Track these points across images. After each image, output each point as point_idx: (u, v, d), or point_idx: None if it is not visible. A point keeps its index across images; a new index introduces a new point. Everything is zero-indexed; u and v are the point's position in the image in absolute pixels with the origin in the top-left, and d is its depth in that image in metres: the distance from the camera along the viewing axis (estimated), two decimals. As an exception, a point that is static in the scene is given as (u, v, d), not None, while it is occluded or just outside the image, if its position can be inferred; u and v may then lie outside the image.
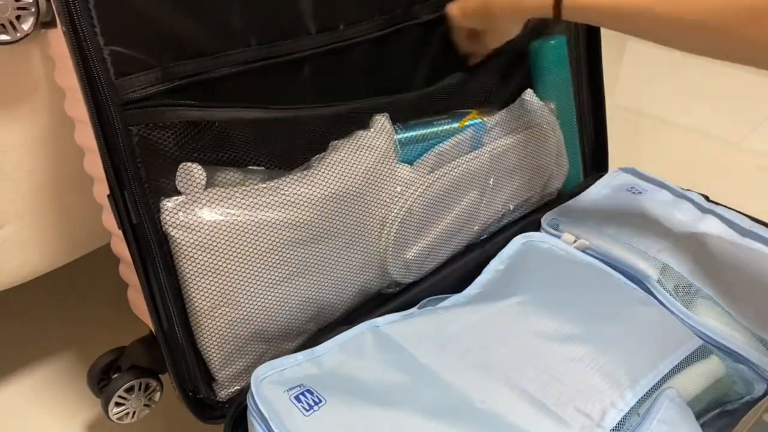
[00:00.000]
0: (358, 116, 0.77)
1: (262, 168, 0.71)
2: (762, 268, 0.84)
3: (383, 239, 0.79)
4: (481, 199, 0.89)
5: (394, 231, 0.79)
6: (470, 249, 0.91)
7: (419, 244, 0.83)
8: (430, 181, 0.81)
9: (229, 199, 0.67)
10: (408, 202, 0.79)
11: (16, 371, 1.00)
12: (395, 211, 0.79)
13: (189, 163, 0.65)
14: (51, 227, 0.77)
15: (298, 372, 0.67)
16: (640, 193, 0.99)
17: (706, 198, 0.98)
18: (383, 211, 0.78)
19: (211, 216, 0.65)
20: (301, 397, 0.62)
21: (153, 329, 0.68)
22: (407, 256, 0.82)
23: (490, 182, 0.89)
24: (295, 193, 0.70)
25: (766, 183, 1.46)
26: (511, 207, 0.95)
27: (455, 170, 0.84)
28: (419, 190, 0.80)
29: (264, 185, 0.69)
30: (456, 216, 0.86)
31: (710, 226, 0.92)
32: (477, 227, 0.90)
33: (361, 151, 0.75)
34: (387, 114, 0.78)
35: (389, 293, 0.84)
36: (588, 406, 0.64)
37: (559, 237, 0.90)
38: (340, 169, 0.73)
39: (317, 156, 0.74)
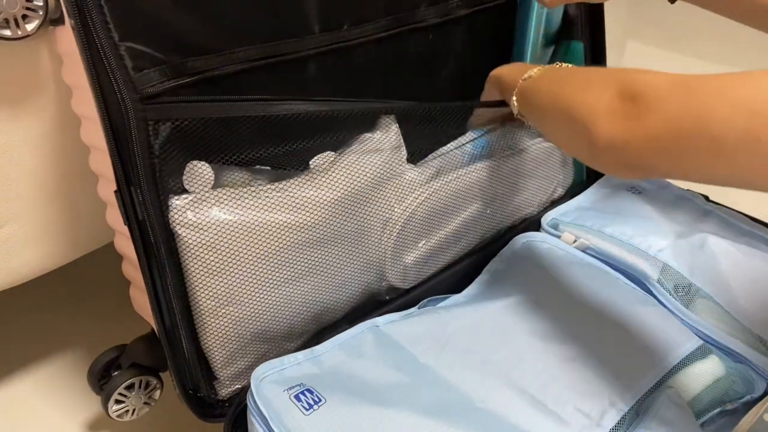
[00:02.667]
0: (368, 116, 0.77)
1: (268, 168, 0.71)
2: (762, 268, 0.84)
3: (383, 242, 0.79)
4: (485, 209, 0.89)
5: (395, 234, 0.79)
6: (471, 249, 0.91)
7: (419, 250, 0.83)
8: (435, 188, 0.81)
9: (238, 199, 0.66)
10: (411, 207, 0.79)
11: (18, 369, 1.00)
12: (398, 214, 0.79)
13: (197, 162, 0.65)
14: (53, 226, 0.77)
15: (298, 371, 0.67)
16: (640, 192, 0.99)
17: (706, 198, 0.98)
18: (387, 213, 0.78)
19: (219, 215, 0.65)
20: (300, 396, 0.62)
21: (155, 327, 0.68)
22: (407, 261, 0.82)
23: (497, 192, 0.89)
24: (304, 196, 0.70)
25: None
26: (515, 219, 0.95)
27: (461, 179, 0.83)
28: (423, 195, 0.80)
29: (273, 186, 0.69)
30: (458, 225, 0.86)
31: (710, 226, 0.92)
32: (478, 237, 0.90)
33: (370, 155, 0.75)
34: (394, 116, 0.78)
35: (386, 299, 0.84)
36: (587, 405, 0.64)
37: (559, 237, 0.90)
38: (349, 173, 0.73)
39: (325, 159, 0.74)
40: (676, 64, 1.95)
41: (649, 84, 0.53)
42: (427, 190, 0.81)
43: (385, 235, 0.79)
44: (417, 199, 0.80)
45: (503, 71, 0.78)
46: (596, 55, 1.02)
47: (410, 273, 0.84)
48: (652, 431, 0.62)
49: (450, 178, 0.83)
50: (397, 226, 0.79)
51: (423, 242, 0.83)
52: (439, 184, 0.82)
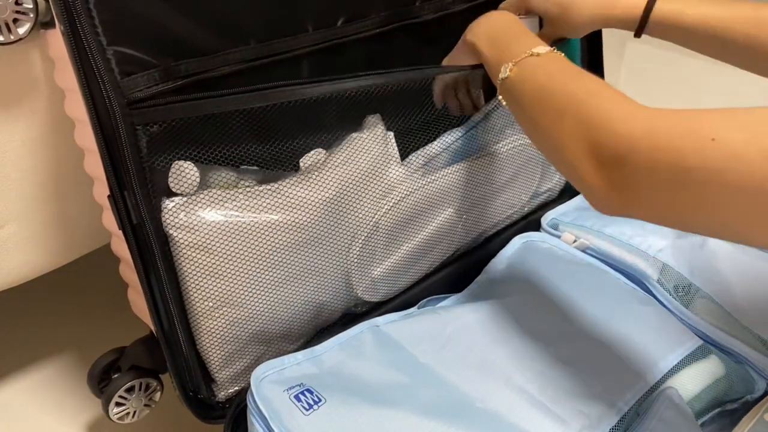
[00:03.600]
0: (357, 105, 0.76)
1: (255, 168, 0.71)
2: (761, 267, 0.83)
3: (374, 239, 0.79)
4: (470, 207, 0.88)
5: (384, 226, 0.79)
6: (470, 249, 0.91)
7: (395, 255, 0.82)
8: (422, 183, 0.80)
9: (230, 200, 0.66)
10: (393, 202, 0.79)
11: (17, 371, 1.00)
12: (383, 210, 0.78)
13: (182, 162, 0.65)
14: (51, 227, 0.77)
15: (298, 371, 0.67)
16: (640, 193, 0.99)
17: (706, 198, 0.98)
18: (377, 211, 0.78)
19: (211, 217, 0.65)
20: (300, 396, 0.62)
21: (153, 329, 0.68)
22: (376, 272, 0.81)
23: (480, 192, 0.88)
24: (296, 196, 0.70)
25: (766, 183, 1.46)
26: (495, 221, 0.94)
27: (443, 179, 0.82)
28: (410, 189, 0.79)
29: (265, 187, 0.69)
30: (440, 223, 0.85)
31: (710, 225, 0.92)
32: (470, 233, 0.90)
33: (359, 154, 0.74)
34: (378, 114, 0.78)
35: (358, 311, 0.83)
36: (587, 405, 0.64)
37: (559, 237, 0.90)
38: (341, 171, 0.73)
39: (315, 157, 0.74)
40: (675, 63, 1.95)
41: (618, 149, 0.50)
42: (413, 185, 0.79)
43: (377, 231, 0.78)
44: (400, 194, 0.79)
45: (484, 47, 0.72)
46: (592, 51, 1.02)
47: (382, 283, 0.83)
48: (651, 431, 0.62)
49: (435, 176, 0.82)
50: (384, 219, 0.79)
51: (407, 237, 0.82)
52: (424, 180, 0.81)
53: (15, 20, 0.59)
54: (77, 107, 0.62)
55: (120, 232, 0.64)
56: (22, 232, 0.75)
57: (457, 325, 0.72)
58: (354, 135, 0.75)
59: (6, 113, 0.68)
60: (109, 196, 0.63)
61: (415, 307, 0.80)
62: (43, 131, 0.71)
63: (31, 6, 0.59)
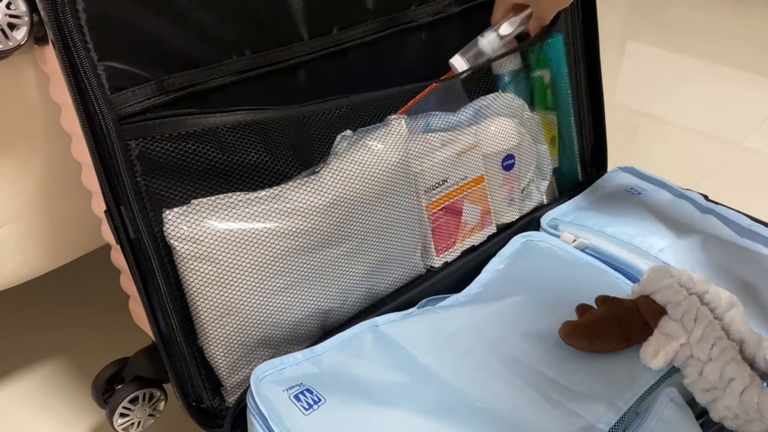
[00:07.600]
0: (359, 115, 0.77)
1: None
2: (761, 266, 0.83)
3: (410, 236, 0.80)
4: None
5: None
6: (470, 249, 0.90)
7: None
8: None
9: (232, 208, 0.67)
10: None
11: (17, 374, 1.00)
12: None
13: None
14: (51, 227, 0.77)
15: (298, 371, 0.67)
16: (640, 193, 0.99)
17: (705, 197, 0.98)
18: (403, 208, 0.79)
19: (213, 226, 0.65)
20: (300, 396, 0.62)
21: (154, 340, 0.69)
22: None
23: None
24: (298, 200, 0.70)
25: (766, 183, 1.46)
26: None
27: None
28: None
29: (265, 193, 0.69)
30: None
31: (710, 225, 0.92)
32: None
33: (366, 156, 0.75)
34: (404, 117, 0.78)
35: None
36: (586, 404, 0.64)
37: (558, 236, 0.90)
38: (343, 176, 0.73)
39: (317, 162, 0.74)
40: (675, 63, 1.95)
41: None
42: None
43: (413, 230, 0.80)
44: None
45: None
46: (590, 50, 1.02)
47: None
48: (651, 431, 0.62)
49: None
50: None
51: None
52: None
53: (11, 26, 0.59)
54: (72, 122, 0.63)
55: (118, 245, 0.65)
56: (22, 232, 0.75)
57: (457, 324, 0.72)
58: (363, 139, 0.76)
59: (6, 112, 0.68)
60: (105, 211, 0.63)
61: (415, 307, 0.80)
62: (43, 129, 0.71)
63: (24, 9, 0.59)
